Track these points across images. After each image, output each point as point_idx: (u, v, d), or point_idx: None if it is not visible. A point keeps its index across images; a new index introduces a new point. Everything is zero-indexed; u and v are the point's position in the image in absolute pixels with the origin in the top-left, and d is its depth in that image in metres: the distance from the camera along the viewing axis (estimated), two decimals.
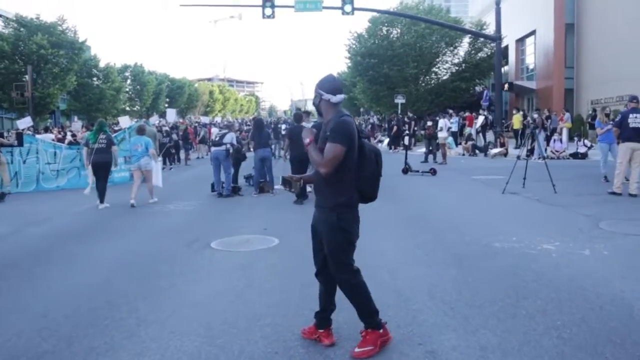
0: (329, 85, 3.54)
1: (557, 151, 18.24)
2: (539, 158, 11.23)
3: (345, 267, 3.55)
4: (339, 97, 3.51)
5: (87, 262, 6.14)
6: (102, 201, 10.36)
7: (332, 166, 3.36)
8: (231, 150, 11.22)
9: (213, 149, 11.53)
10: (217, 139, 11.40)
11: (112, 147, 10.61)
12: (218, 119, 44.12)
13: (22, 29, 34.69)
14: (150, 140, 11.45)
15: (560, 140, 19.06)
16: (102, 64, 47.60)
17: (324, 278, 3.69)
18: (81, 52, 38.20)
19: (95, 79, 46.84)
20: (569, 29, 29.06)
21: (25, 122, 24.22)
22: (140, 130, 11.29)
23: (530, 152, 13.79)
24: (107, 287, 5.09)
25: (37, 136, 18.49)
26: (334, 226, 3.50)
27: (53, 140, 18.98)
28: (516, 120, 23.80)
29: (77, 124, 26.80)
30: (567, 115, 21.83)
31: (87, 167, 10.93)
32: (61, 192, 13.67)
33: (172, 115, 26.88)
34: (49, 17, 41.84)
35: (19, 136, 14.56)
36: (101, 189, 10.40)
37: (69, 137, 23.53)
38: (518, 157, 11.15)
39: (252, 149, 11.60)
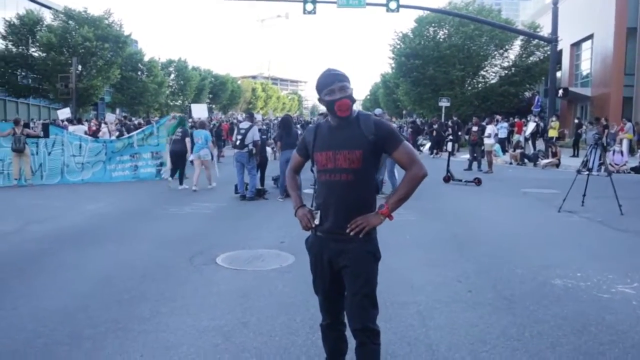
0: None
1: (617, 164, 16.57)
2: (590, 170, 9.89)
3: (376, 315, 2.68)
4: None
5: (71, 275, 5.34)
6: (181, 183, 12.20)
7: None
8: (254, 151, 10.35)
9: (235, 151, 10.68)
10: (237, 142, 10.46)
11: (186, 138, 12.35)
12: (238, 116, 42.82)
13: (70, 22, 35.11)
14: (209, 134, 12.73)
15: (621, 153, 17.36)
16: (146, 58, 48.00)
17: (341, 333, 2.89)
18: (126, 46, 38.42)
19: (139, 72, 47.23)
20: (631, 33, 26.96)
21: (64, 113, 24.32)
22: (201, 125, 13.00)
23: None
24: (78, 313, 4.23)
25: (70, 127, 18.20)
26: (372, 260, 2.67)
27: (86, 132, 18.69)
28: (552, 129, 21.87)
29: (110, 116, 26.33)
30: (629, 125, 20.04)
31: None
32: (84, 185, 13.18)
33: (199, 110, 23.16)
34: (96, 11, 42.38)
35: (45, 127, 14.28)
36: (179, 174, 12.32)
37: (119, 129, 23.03)
38: (579, 171, 9.81)
39: (274, 149, 10.65)
